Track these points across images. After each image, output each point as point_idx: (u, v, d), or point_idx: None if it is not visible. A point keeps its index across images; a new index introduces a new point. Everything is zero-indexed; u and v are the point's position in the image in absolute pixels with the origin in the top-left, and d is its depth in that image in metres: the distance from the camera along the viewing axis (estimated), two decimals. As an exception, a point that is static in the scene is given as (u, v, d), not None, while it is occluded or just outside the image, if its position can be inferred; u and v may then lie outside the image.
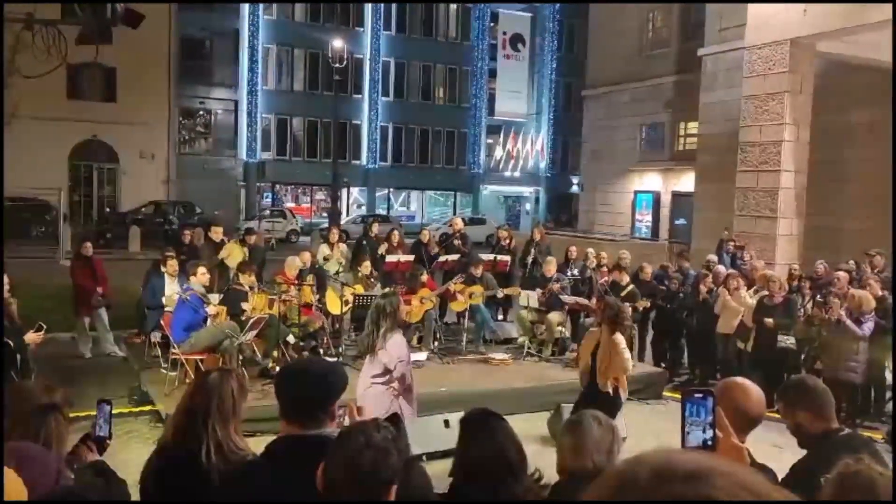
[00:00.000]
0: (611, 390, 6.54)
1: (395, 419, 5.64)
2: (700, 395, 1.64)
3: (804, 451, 3.07)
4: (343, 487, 1.85)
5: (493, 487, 2.38)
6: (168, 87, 33.63)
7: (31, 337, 6.20)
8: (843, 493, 2.12)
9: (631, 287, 10.41)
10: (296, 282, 9.86)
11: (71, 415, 3.92)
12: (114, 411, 2.95)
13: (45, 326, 6.16)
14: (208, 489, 2.44)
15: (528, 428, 7.37)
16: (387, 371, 5.58)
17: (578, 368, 6.87)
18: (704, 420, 1.63)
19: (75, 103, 30.71)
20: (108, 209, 32.71)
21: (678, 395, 9.58)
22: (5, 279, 7.28)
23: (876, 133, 16.35)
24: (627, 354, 6.67)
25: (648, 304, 10.41)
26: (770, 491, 0.79)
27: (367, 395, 5.57)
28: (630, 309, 9.95)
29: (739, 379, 2.72)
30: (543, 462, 2.84)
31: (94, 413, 2.90)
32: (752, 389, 2.55)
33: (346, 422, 2.44)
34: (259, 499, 2.22)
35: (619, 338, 6.60)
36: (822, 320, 8.93)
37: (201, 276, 8.85)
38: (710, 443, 1.61)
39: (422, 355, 9.95)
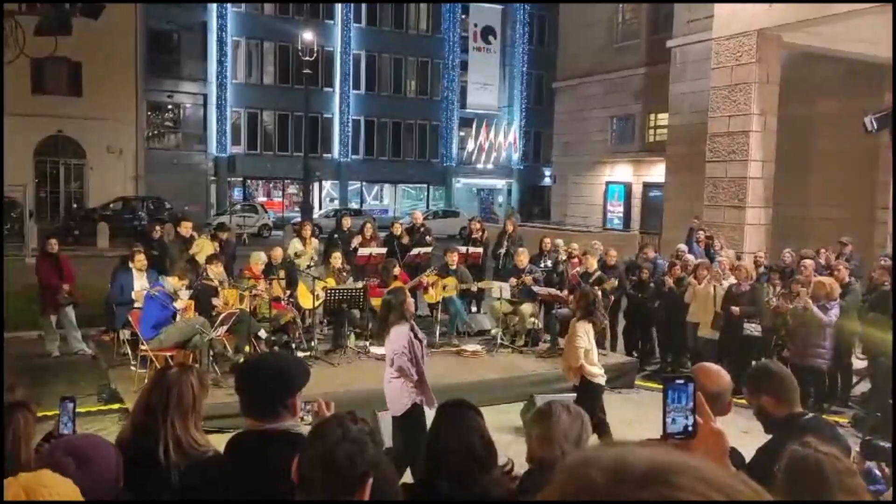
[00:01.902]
0: (577, 381, 6.56)
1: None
2: (681, 381, 1.63)
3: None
4: (319, 480, 1.84)
5: (458, 479, 2.38)
6: (135, 82, 33.10)
7: None
8: (794, 478, 2.16)
9: (598, 273, 10.51)
10: (262, 276, 9.78)
11: (38, 414, 3.85)
12: (83, 410, 2.91)
13: None
14: (167, 486, 2.41)
15: (502, 419, 7.40)
16: (392, 361, 5.65)
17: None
18: (686, 406, 1.62)
19: (40, 98, 30.10)
20: (75, 205, 32.17)
21: (650, 384, 9.69)
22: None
23: (841, 123, 16.60)
24: (581, 343, 6.58)
25: (616, 283, 10.50)
26: (735, 483, 0.76)
27: (389, 387, 5.68)
28: (599, 292, 10.07)
29: (706, 364, 2.76)
30: (516, 453, 2.85)
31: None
32: (719, 372, 2.59)
33: (310, 418, 2.42)
34: (218, 494, 2.20)
35: (581, 327, 6.61)
36: (786, 309, 9.06)
37: (180, 283, 8.72)
38: (691, 429, 1.61)
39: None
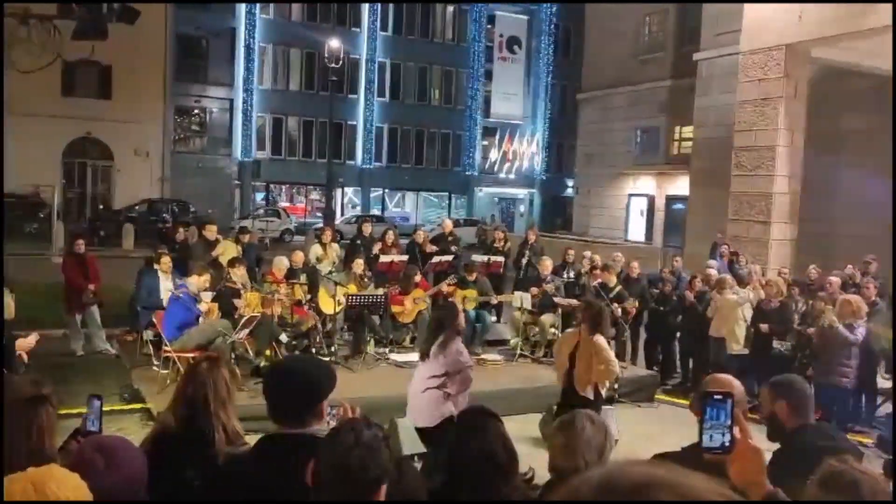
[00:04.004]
0: (591, 394, 6.46)
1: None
2: (720, 397, 1.63)
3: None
4: (332, 486, 1.85)
5: (479, 487, 2.38)
6: (163, 85, 33.54)
7: (22, 344, 6.15)
8: (828, 492, 2.14)
9: (619, 288, 10.39)
10: (284, 281, 9.84)
11: (61, 412, 3.89)
12: (105, 409, 2.93)
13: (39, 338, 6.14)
14: (214, 470, 2.45)
15: (520, 429, 7.36)
16: (444, 374, 5.68)
17: (556, 370, 6.82)
18: (724, 422, 1.62)
19: (70, 100, 30.59)
20: (101, 207, 32.57)
21: (670, 399, 9.59)
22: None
23: (869, 139, 16.43)
24: (611, 356, 6.55)
25: (637, 305, 10.36)
26: (715, 498, 0.78)
27: (423, 398, 5.69)
28: (619, 310, 9.96)
29: (717, 374, 2.77)
30: (534, 463, 2.84)
31: (85, 410, 2.89)
32: (730, 381, 2.59)
33: (335, 422, 2.43)
34: (248, 491, 2.21)
35: (601, 340, 6.45)
36: (808, 334, 8.94)
37: (202, 280, 8.79)
38: (728, 445, 1.61)
39: (414, 356, 9.92)
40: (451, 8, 40.87)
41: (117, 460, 2.16)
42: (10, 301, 7.34)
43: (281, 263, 10.17)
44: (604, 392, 6.62)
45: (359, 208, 39.00)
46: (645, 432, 8.06)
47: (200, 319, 8.45)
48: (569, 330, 7.41)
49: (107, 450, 2.19)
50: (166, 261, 9.90)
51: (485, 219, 36.02)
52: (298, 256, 10.82)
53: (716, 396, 1.62)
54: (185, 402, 2.67)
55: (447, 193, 42.40)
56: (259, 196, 38.08)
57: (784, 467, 2.73)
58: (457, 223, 33.38)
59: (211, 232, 11.57)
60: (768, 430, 3.12)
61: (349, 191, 39.72)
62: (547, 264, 11.08)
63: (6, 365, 6.47)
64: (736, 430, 1.63)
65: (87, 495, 1.85)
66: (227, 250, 10.93)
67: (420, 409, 5.69)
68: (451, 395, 5.70)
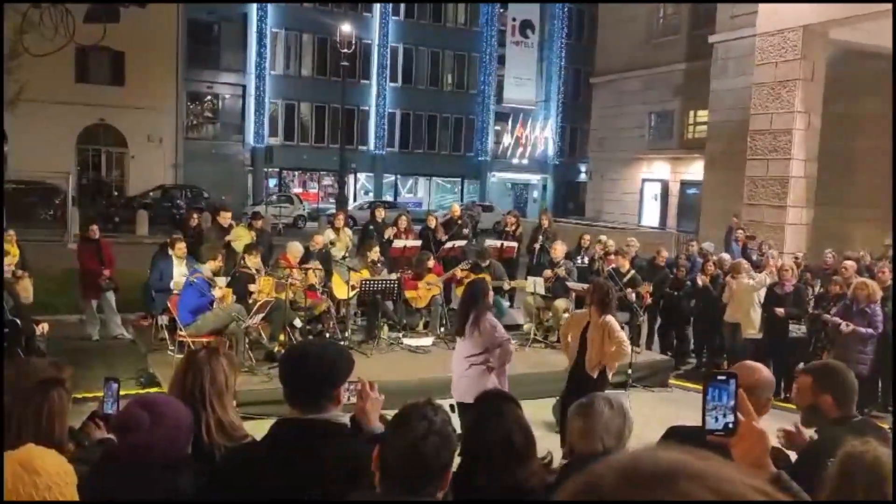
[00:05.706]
0: (596, 375, 6.44)
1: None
2: (723, 378, 1.61)
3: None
4: (403, 471, 1.88)
5: (495, 470, 2.38)
6: (176, 72, 33.56)
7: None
8: (848, 471, 2.12)
9: (632, 273, 10.34)
10: (297, 266, 9.87)
11: (78, 396, 3.92)
12: (121, 392, 2.94)
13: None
14: (212, 464, 2.43)
15: (533, 414, 7.32)
16: (483, 351, 5.75)
17: (566, 351, 6.82)
18: (726, 404, 1.60)
19: (83, 87, 30.70)
20: (115, 193, 32.75)
21: (685, 383, 9.56)
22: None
23: (887, 121, 16.21)
24: (623, 336, 6.52)
25: (650, 289, 10.31)
26: (745, 490, 0.73)
27: (467, 375, 5.78)
28: (633, 295, 9.92)
29: (747, 362, 2.73)
30: (549, 448, 2.83)
31: (101, 394, 2.91)
32: (758, 369, 2.56)
33: (354, 399, 2.43)
34: (258, 482, 2.21)
35: (612, 321, 6.42)
36: (826, 323, 8.88)
37: (215, 263, 8.82)
38: (731, 426, 1.58)
39: (427, 340, 9.96)
40: (463, -8, 40.61)
41: (161, 414, 2.25)
42: (28, 286, 7.42)
43: (296, 249, 10.19)
44: (611, 376, 6.60)
45: (371, 194, 38.99)
46: (659, 417, 8.03)
47: (214, 304, 8.49)
48: (577, 311, 7.38)
49: (150, 405, 2.28)
50: (181, 247, 9.93)
51: (471, 203, 35.89)
52: (319, 240, 10.94)
53: (718, 377, 1.61)
54: (180, 393, 2.66)
55: (460, 179, 42.31)
56: (272, 182, 38.10)
57: (817, 455, 2.70)
58: (467, 208, 33.49)
59: (225, 218, 11.60)
60: (803, 417, 3.08)
61: (362, 176, 39.70)
62: (559, 248, 11.04)
63: (28, 349, 6.55)
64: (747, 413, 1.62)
65: (70, 472, 1.94)
66: (240, 236, 10.98)
67: (464, 386, 5.74)
68: (493, 368, 5.77)
